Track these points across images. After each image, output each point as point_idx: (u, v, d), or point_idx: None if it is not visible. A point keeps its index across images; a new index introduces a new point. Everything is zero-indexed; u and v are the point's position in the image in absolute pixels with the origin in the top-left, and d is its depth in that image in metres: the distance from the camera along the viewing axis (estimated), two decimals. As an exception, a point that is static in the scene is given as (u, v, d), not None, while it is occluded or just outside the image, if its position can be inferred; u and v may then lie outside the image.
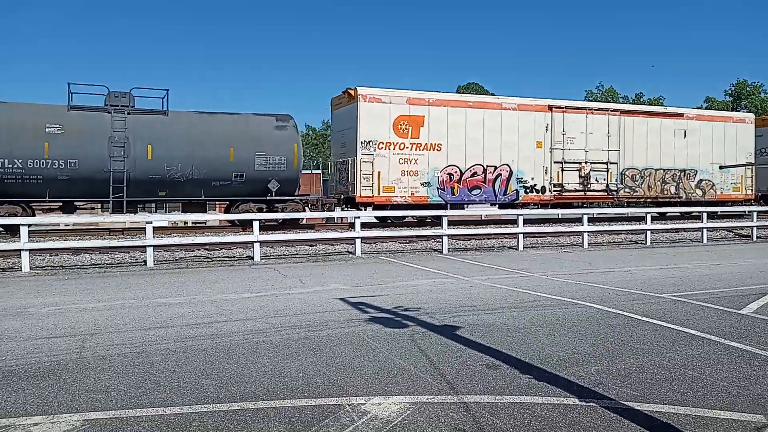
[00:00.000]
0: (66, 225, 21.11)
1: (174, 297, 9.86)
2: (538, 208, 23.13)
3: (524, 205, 22.30)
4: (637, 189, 24.12)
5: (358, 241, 16.40)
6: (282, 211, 19.43)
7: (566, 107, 22.99)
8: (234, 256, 15.91)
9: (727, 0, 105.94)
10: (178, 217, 18.58)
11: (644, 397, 4.99)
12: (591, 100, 65.11)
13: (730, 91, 69.74)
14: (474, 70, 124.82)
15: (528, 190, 22.32)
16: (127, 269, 13.75)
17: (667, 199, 24.76)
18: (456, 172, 21.22)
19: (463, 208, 22.38)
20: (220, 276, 12.44)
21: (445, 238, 17.25)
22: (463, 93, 56.43)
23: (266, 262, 14.96)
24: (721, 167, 26.13)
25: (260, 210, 19.24)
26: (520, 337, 6.97)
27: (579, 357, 6.17)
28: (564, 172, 22.86)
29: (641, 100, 69.29)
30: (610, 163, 23.57)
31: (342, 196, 21.04)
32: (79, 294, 10.21)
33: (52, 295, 10.09)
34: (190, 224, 20.75)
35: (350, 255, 16.29)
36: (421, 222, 21.29)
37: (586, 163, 23.10)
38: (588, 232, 19.25)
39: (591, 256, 16.38)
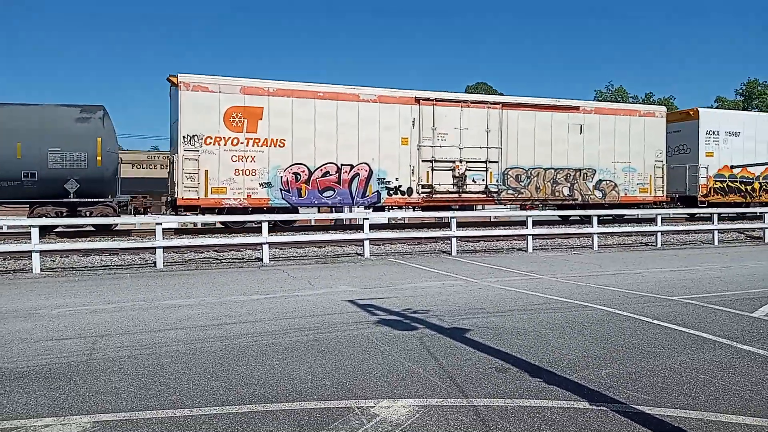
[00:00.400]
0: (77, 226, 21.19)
1: (183, 299, 9.89)
2: (403, 210, 21.53)
3: (387, 208, 20.63)
4: (522, 190, 21.89)
5: (366, 242, 16.40)
6: (88, 215, 17.49)
7: (436, 99, 20.71)
8: (243, 258, 15.95)
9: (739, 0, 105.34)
10: (187, 219, 18.51)
11: (655, 400, 4.95)
12: (600, 100, 64.74)
13: (741, 91, 69.29)
14: (483, 70, 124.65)
15: (391, 192, 20.21)
16: (136, 271, 13.80)
17: (560, 202, 22.64)
18: (303, 171, 19.11)
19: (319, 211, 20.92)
20: (229, 278, 12.47)
21: (454, 240, 17.21)
22: (471, 93, 56.16)
23: (275, 263, 14.99)
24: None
25: (59, 214, 17.39)
26: (529, 340, 6.94)
27: (589, 360, 6.13)
28: (434, 171, 20.68)
29: (651, 99, 68.93)
30: (490, 162, 21.33)
31: (169, 198, 19.03)
32: (89, 295, 10.26)
33: (63, 297, 10.14)
34: (199, 226, 20.82)
35: (359, 257, 16.29)
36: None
37: (461, 161, 20.84)
38: (598, 233, 19.14)
39: (601, 257, 16.29)
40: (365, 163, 19.88)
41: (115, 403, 4.90)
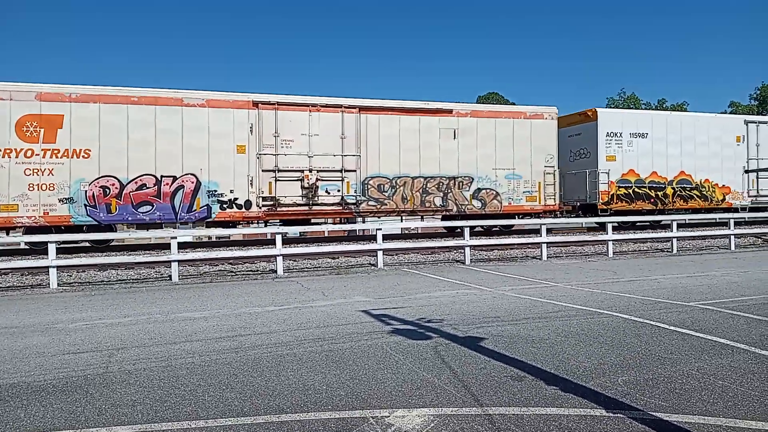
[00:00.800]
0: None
1: (198, 311, 9.94)
2: (239, 226, 19.21)
3: (222, 224, 18.82)
4: (386, 201, 20.00)
5: (380, 253, 16.41)
6: None
7: (278, 103, 18.85)
8: (257, 270, 16.01)
9: (752, 4, 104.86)
10: (203, 232, 18.61)
11: (673, 407, 4.90)
12: (612, 107, 64.42)
13: (755, 95, 68.75)
14: (494, 80, 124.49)
15: (225, 206, 18.30)
16: (152, 284, 13.90)
17: (432, 213, 20.86)
18: (114, 184, 17.22)
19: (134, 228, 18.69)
20: (243, 290, 12.52)
21: (467, 249, 17.17)
22: (483, 103, 56.13)
23: (289, 275, 15.03)
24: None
25: None
26: (545, 348, 6.90)
27: (606, 367, 6.08)
28: (279, 182, 18.83)
29: (664, 106, 68.55)
30: (347, 171, 19.53)
31: None
32: (105, 309, 10.35)
33: (80, 311, 10.23)
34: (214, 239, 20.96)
35: (372, 267, 16.29)
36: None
37: (311, 171, 19.07)
38: (613, 240, 19.02)
39: (616, 264, 16.18)
40: (192, 174, 18.03)
41: (131, 416, 4.93)
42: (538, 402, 5.07)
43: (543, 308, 9.58)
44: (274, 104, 18.87)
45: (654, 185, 23.91)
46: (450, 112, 20.96)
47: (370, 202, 19.97)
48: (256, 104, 18.70)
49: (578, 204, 23.93)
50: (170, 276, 14.54)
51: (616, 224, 21.75)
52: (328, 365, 6.32)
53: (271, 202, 18.85)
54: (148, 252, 17.12)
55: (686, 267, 15.27)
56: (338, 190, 19.56)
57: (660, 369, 5.99)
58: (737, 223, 22.64)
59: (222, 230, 18.72)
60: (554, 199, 22.11)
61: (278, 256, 15.41)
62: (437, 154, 20.68)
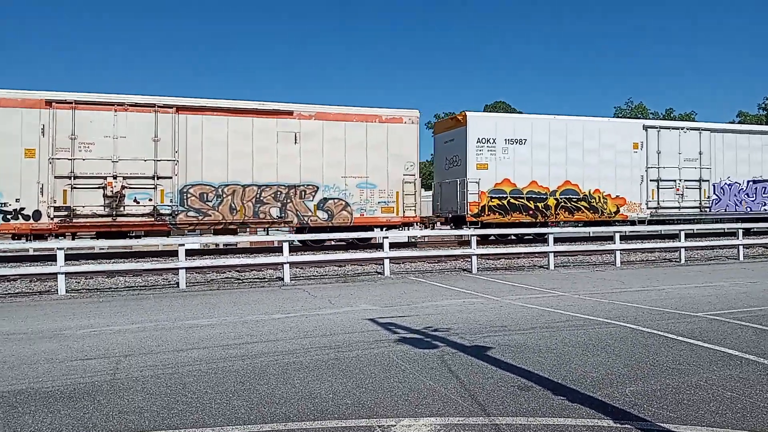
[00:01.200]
0: (101, 248, 21.57)
1: (206, 318, 9.96)
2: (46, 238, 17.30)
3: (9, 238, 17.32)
4: (210, 212, 18.41)
5: (386, 261, 16.40)
6: None
7: (77, 101, 17.23)
8: (264, 278, 16.04)
9: (760, 13, 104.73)
10: (210, 239, 18.65)
11: (681, 418, 4.87)
12: (620, 116, 64.30)
13: (763, 105, 68.47)
14: (501, 89, 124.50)
15: (10, 216, 16.63)
16: (160, 291, 13.94)
17: (267, 224, 19.36)
18: None
19: None
20: (250, 297, 12.54)
21: (474, 258, 17.14)
22: (490, 111, 56.20)
23: (296, 283, 15.04)
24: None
25: None
26: (552, 358, 6.88)
27: (613, 378, 6.06)
28: (75, 190, 17.21)
29: (671, 115, 68.37)
30: (161, 178, 17.92)
31: None
32: (113, 316, 10.38)
33: (87, 318, 10.27)
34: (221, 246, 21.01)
35: (379, 275, 16.29)
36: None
37: (115, 177, 17.37)
38: (620, 250, 18.94)
39: (624, 274, 16.11)
40: None
41: (138, 422, 4.94)
42: (546, 412, 5.05)
43: (550, 318, 9.56)
44: (71, 103, 17.24)
45: (534, 196, 22.14)
46: (290, 113, 19.34)
47: (190, 213, 18.32)
48: (49, 103, 17.02)
49: (450, 216, 22.43)
50: (178, 283, 14.58)
51: (482, 237, 19.68)
52: (335, 373, 6.32)
53: (66, 213, 17.18)
54: (155, 259, 17.20)
55: (694, 277, 15.19)
56: (150, 200, 17.94)
57: (668, 379, 5.96)
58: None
59: (229, 237, 18.80)
60: (414, 210, 20.58)
61: (285, 263, 15.43)
62: (275, 160, 19.08)
